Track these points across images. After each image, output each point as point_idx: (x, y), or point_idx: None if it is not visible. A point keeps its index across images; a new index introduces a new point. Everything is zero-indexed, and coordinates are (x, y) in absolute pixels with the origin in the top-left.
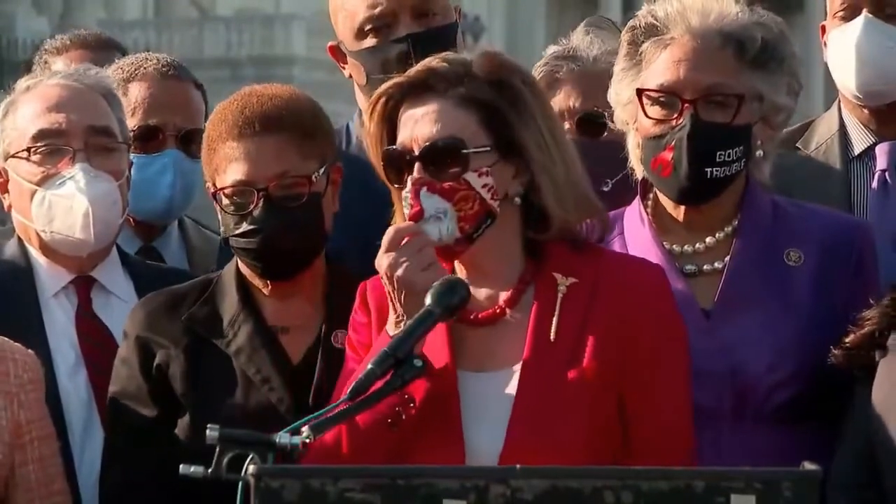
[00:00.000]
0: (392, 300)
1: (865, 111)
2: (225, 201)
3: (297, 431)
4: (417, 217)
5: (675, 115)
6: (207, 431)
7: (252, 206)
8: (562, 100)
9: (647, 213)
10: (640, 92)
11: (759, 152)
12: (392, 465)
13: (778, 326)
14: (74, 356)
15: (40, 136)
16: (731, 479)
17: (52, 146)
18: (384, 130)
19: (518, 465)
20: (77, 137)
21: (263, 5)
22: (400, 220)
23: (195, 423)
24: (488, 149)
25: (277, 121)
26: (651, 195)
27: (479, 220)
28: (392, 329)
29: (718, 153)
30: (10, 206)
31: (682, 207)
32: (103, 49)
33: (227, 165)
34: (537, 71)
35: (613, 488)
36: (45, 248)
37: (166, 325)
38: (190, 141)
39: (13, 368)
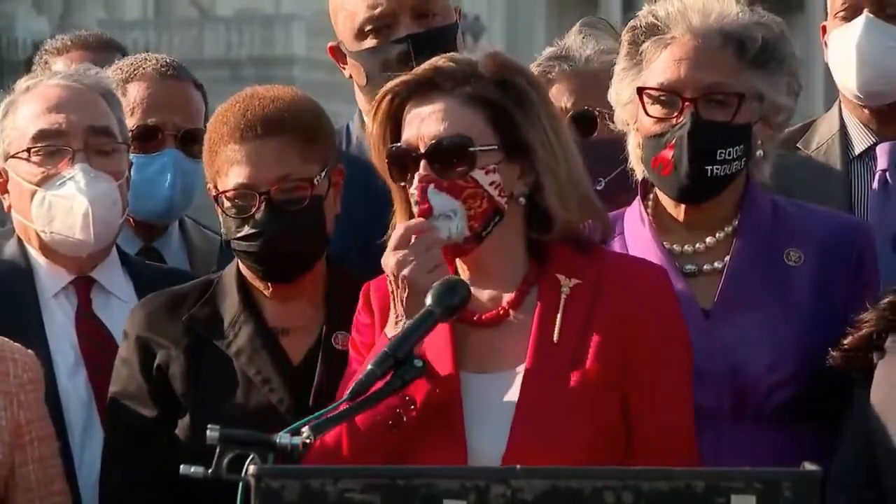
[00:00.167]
0: (394, 299)
1: (866, 111)
2: (226, 204)
3: (297, 432)
4: (426, 215)
5: (676, 114)
6: (208, 432)
7: (254, 210)
8: (554, 99)
9: (648, 213)
10: (640, 91)
11: (760, 152)
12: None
13: (778, 326)
14: (74, 356)
15: (40, 136)
16: (732, 479)
17: (51, 146)
18: (388, 129)
19: (518, 466)
20: (77, 138)
21: (263, 5)
22: (401, 219)
23: (195, 424)
24: (495, 147)
25: (279, 124)
26: (651, 195)
27: (488, 218)
28: (391, 330)
29: (719, 151)
30: (9, 207)
31: (682, 207)
32: (103, 49)
33: (228, 168)
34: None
35: (614, 488)
36: (45, 249)
37: (167, 325)
38: (189, 141)
39: (13, 368)
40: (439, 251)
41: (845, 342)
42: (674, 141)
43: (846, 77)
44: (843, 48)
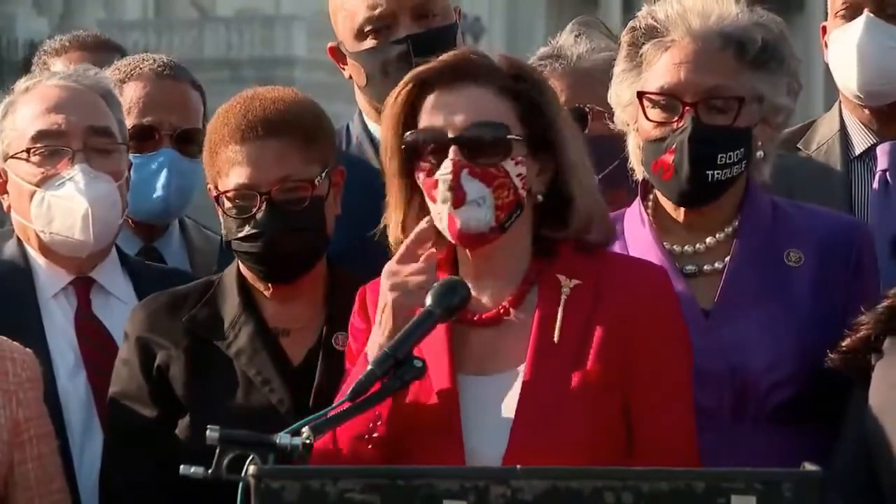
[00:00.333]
0: (379, 309)
1: (866, 111)
2: (227, 205)
3: (297, 432)
4: (460, 202)
5: (676, 119)
6: (207, 432)
7: (254, 210)
8: None
9: (648, 214)
10: (640, 95)
11: (760, 153)
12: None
13: (778, 327)
14: (74, 357)
15: (39, 136)
16: (732, 479)
17: (51, 147)
18: (403, 116)
19: (518, 466)
20: (76, 138)
21: (264, 6)
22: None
23: (195, 424)
24: (521, 140)
25: (280, 125)
26: (651, 196)
27: (511, 211)
28: (379, 338)
29: (719, 156)
30: (9, 207)
31: (683, 209)
32: (102, 50)
33: (229, 169)
34: None
35: (614, 489)
36: (45, 249)
37: (167, 326)
38: (186, 140)
39: (11, 367)
40: (434, 274)
41: (843, 344)
42: (674, 146)
43: (846, 77)
44: (844, 48)
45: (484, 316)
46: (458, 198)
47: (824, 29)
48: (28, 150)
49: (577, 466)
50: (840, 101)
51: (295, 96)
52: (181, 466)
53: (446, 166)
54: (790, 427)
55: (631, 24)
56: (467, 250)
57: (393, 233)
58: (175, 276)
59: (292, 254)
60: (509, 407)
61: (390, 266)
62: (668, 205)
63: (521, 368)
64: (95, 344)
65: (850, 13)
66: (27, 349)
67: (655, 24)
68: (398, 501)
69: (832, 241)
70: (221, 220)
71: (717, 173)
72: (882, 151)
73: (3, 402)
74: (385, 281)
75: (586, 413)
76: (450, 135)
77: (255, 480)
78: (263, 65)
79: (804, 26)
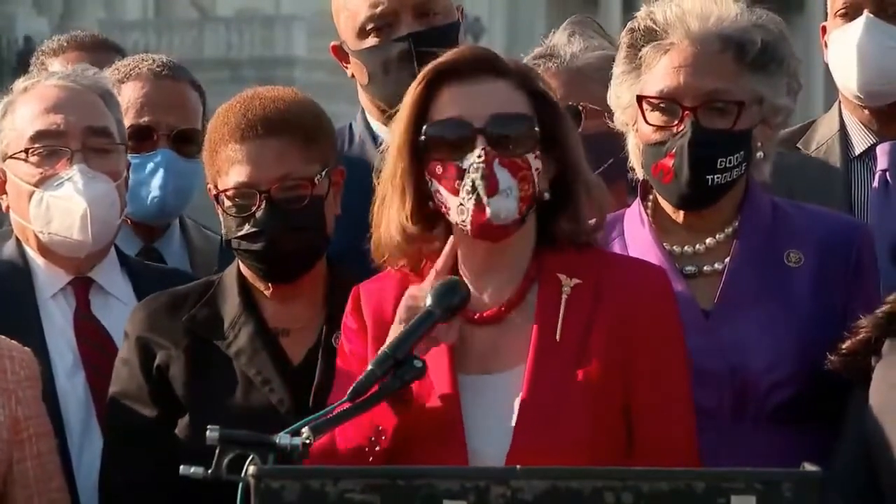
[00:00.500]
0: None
1: (866, 111)
2: (227, 203)
3: (297, 432)
4: (494, 190)
5: (676, 122)
6: (207, 432)
7: (254, 209)
8: None
9: (647, 215)
10: (640, 98)
11: (759, 153)
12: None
13: (777, 327)
14: (72, 357)
15: (38, 137)
16: (732, 479)
17: (49, 147)
18: (420, 108)
19: (518, 466)
20: (75, 138)
21: (264, 6)
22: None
23: (195, 424)
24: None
25: (280, 123)
26: (651, 196)
27: (530, 204)
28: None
29: (719, 160)
30: (7, 207)
31: (683, 210)
32: (100, 50)
33: (229, 168)
34: None
35: (614, 489)
36: (43, 249)
37: (167, 325)
38: (183, 141)
39: (10, 365)
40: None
41: (843, 347)
42: (674, 150)
43: (846, 77)
44: (844, 48)
45: (485, 314)
46: (491, 186)
47: (824, 29)
48: (27, 151)
49: (577, 466)
50: (840, 101)
51: (295, 96)
52: (181, 466)
53: (477, 156)
54: (790, 427)
55: (630, 25)
56: (481, 244)
57: (395, 223)
58: (175, 277)
59: (292, 252)
60: (511, 406)
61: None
62: (667, 206)
63: (522, 367)
64: (94, 344)
65: (850, 13)
66: (25, 348)
67: (654, 26)
68: (398, 501)
69: (832, 241)
70: (221, 219)
71: (717, 177)
72: (882, 151)
73: (3, 400)
74: (405, 308)
75: (588, 413)
76: (477, 125)
77: (255, 480)
78: (263, 65)
79: (804, 26)
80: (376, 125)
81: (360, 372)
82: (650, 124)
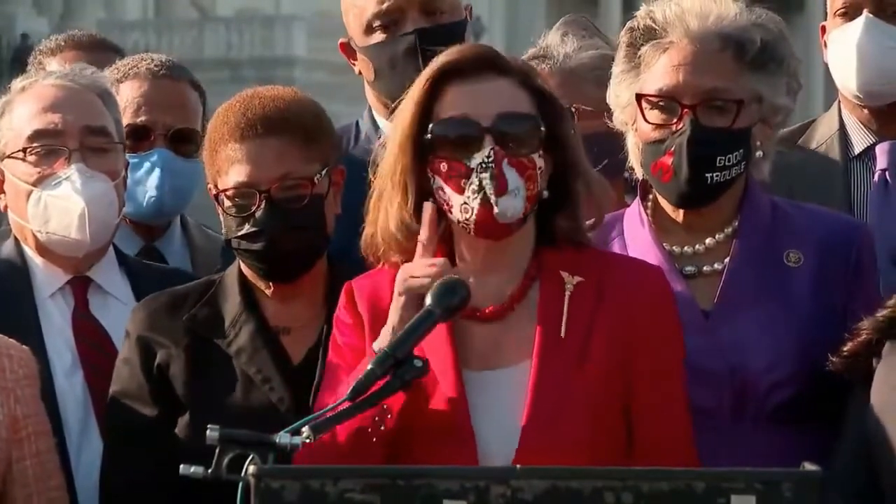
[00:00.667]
0: (393, 308)
1: (865, 111)
2: (227, 203)
3: (297, 432)
4: (503, 190)
5: (675, 121)
6: (207, 432)
7: (254, 208)
8: None
9: (647, 215)
10: (639, 97)
11: (759, 153)
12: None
13: (777, 327)
14: (71, 357)
15: (36, 136)
16: (732, 479)
17: (47, 146)
18: (423, 106)
19: (518, 465)
20: (73, 137)
21: (264, 6)
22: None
23: (196, 423)
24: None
25: (280, 123)
26: (651, 196)
27: (533, 203)
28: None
29: (719, 158)
30: (6, 207)
31: (682, 210)
32: (97, 50)
33: (228, 167)
34: None
35: (614, 489)
36: (42, 249)
37: (168, 324)
38: (180, 140)
39: (8, 364)
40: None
41: (845, 349)
42: (673, 148)
43: (846, 77)
44: (844, 48)
45: (487, 311)
46: (501, 186)
47: (823, 29)
48: (24, 150)
49: (577, 466)
50: (839, 101)
51: (295, 95)
52: (181, 466)
53: (486, 155)
54: (790, 427)
55: (629, 24)
56: (482, 242)
57: (395, 219)
58: (174, 276)
59: (292, 252)
60: (517, 403)
61: (407, 267)
62: (667, 205)
63: (526, 364)
64: (92, 343)
65: (850, 13)
66: (24, 346)
67: (654, 25)
68: (398, 501)
69: (832, 241)
70: (221, 219)
71: (717, 175)
72: (881, 151)
73: (2, 399)
74: (401, 282)
75: (594, 409)
76: (484, 124)
77: (255, 480)
78: (263, 65)
79: (804, 26)
80: (382, 122)
81: (354, 363)
82: (649, 122)
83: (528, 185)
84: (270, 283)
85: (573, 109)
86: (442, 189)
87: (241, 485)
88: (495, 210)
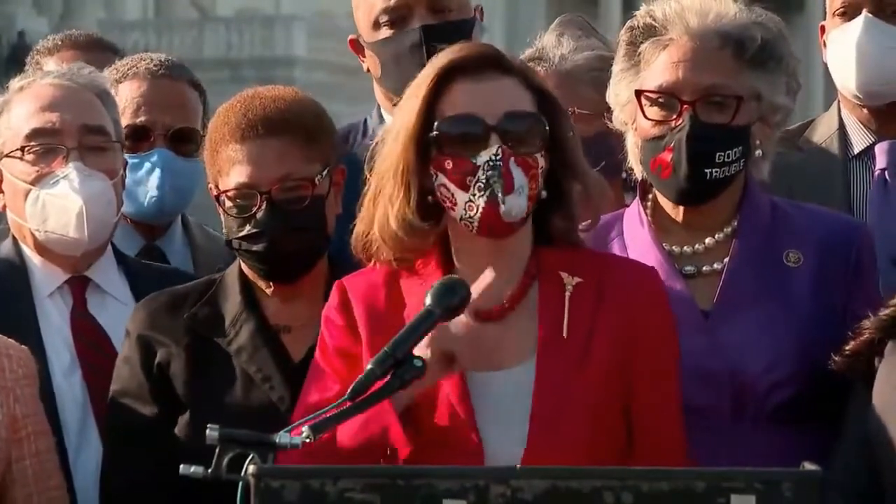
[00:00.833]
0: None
1: (865, 111)
2: (228, 204)
3: (297, 431)
4: (510, 188)
5: (675, 117)
6: (207, 431)
7: (255, 209)
8: None
9: (647, 215)
10: (638, 93)
11: (758, 152)
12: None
13: (777, 327)
14: (69, 356)
15: (34, 135)
16: (732, 479)
17: (45, 145)
18: (428, 103)
19: (518, 465)
20: (71, 136)
21: (264, 6)
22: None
23: (196, 422)
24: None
25: (281, 123)
26: (650, 196)
27: (534, 202)
28: None
29: (718, 154)
30: (4, 206)
31: (681, 208)
32: (95, 49)
33: (229, 168)
34: None
35: (613, 489)
36: (40, 248)
37: (168, 323)
38: (180, 140)
39: (8, 364)
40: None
41: (847, 348)
42: (672, 144)
43: (845, 77)
44: (843, 48)
45: (487, 311)
46: (508, 185)
47: (823, 28)
48: (22, 149)
49: (577, 466)
50: (839, 101)
51: (295, 95)
52: (181, 466)
53: (494, 154)
54: (790, 427)
55: (629, 23)
56: (483, 241)
57: (397, 217)
58: (174, 276)
59: (293, 253)
60: (522, 403)
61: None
62: (667, 205)
63: (528, 364)
64: (91, 343)
65: (849, 13)
66: (22, 346)
67: (653, 22)
68: (398, 501)
69: (831, 241)
70: (222, 220)
71: (716, 171)
72: (881, 150)
73: (1, 398)
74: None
75: (594, 411)
76: (490, 122)
77: (255, 480)
78: (263, 65)
79: (804, 26)
80: (390, 119)
81: (341, 370)
82: (649, 119)
83: (531, 184)
84: (271, 283)
85: (570, 113)
86: (445, 186)
87: (241, 485)
88: (501, 208)
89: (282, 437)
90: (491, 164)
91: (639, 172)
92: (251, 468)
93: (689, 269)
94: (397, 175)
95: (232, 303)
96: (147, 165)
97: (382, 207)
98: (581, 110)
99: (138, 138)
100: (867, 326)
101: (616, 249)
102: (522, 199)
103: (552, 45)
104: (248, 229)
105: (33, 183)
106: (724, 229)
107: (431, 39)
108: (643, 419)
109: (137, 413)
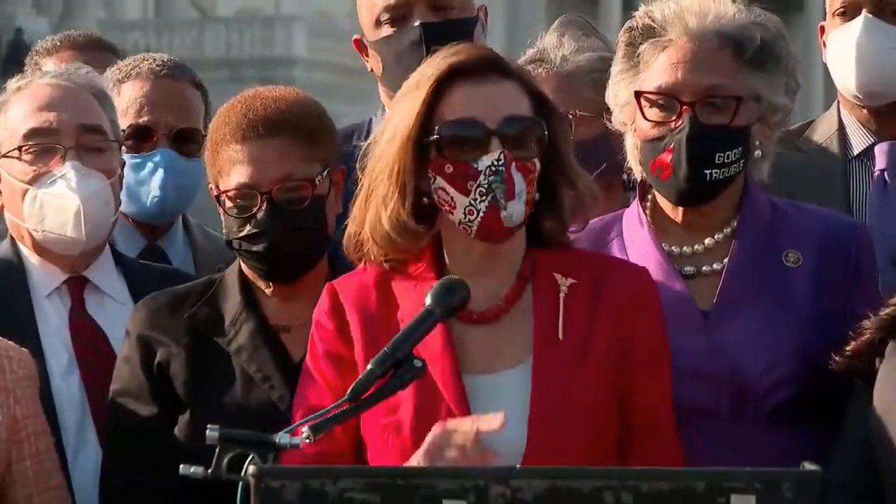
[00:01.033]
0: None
1: (865, 111)
2: (228, 204)
3: (296, 432)
4: (512, 194)
5: (674, 118)
6: (207, 431)
7: (255, 209)
8: None
9: (646, 215)
10: (638, 94)
11: (758, 152)
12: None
13: (776, 327)
14: (67, 356)
15: (31, 134)
16: (732, 479)
17: (43, 145)
18: (427, 105)
19: (518, 465)
20: (68, 136)
21: (264, 6)
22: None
23: (196, 422)
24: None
25: (281, 124)
26: (650, 197)
27: (531, 207)
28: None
29: (717, 155)
30: (2, 206)
31: (681, 209)
32: (94, 49)
33: (230, 168)
34: None
35: (613, 488)
36: (38, 248)
37: (168, 323)
38: (183, 140)
39: (8, 364)
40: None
41: (848, 348)
42: (672, 145)
43: (845, 77)
44: (843, 48)
45: (481, 314)
46: (510, 190)
47: (823, 29)
48: (20, 149)
49: (577, 466)
50: (838, 101)
51: (296, 95)
52: (181, 466)
53: (496, 159)
54: (790, 427)
55: (628, 24)
56: (479, 245)
57: (392, 218)
58: (172, 276)
59: (293, 253)
60: (517, 405)
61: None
62: (666, 205)
63: (524, 366)
64: (89, 343)
65: (849, 13)
66: (22, 348)
67: (652, 23)
68: (398, 501)
69: (831, 241)
70: (223, 220)
71: (716, 172)
72: (880, 151)
73: (1, 400)
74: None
75: (592, 411)
76: (491, 127)
77: (255, 480)
78: (263, 65)
79: (804, 26)
80: None
81: (331, 377)
82: (648, 120)
83: (528, 188)
84: (270, 283)
85: (571, 116)
86: (443, 189)
87: (241, 485)
88: (503, 213)
89: (282, 438)
90: (493, 169)
91: (638, 173)
92: (251, 468)
93: (689, 269)
94: (392, 176)
95: (232, 303)
96: (150, 165)
97: (374, 208)
98: (582, 112)
99: (141, 138)
100: (867, 326)
101: (615, 250)
102: (522, 204)
103: (553, 46)
104: (248, 229)
105: (31, 182)
106: (724, 230)
107: (431, 37)
108: (638, 417)
109: (137, 413)
